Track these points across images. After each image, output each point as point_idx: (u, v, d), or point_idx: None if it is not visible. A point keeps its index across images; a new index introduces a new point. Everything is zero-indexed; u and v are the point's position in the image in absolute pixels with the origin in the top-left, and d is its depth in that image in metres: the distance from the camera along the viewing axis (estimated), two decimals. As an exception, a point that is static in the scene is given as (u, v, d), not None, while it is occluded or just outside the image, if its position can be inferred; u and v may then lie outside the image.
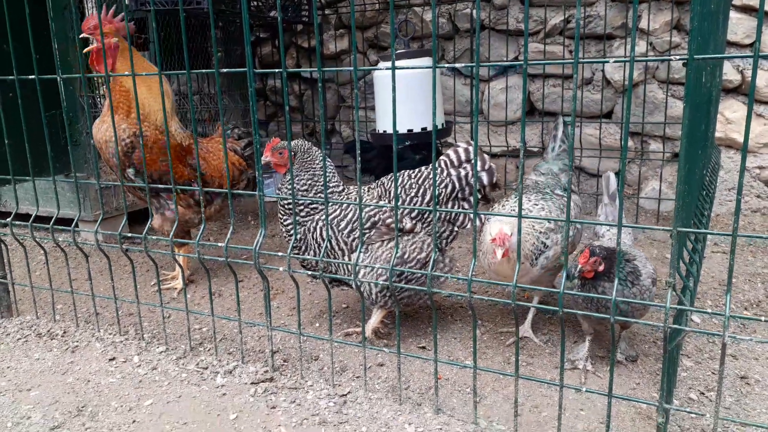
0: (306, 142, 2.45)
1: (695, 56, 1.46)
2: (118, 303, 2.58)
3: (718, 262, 3.41)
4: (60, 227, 2.56)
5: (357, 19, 5.26)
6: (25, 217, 2.74)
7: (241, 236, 4.14)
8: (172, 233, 2.30)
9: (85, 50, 2.82)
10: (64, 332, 2.64)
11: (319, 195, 2.39)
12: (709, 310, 2.66)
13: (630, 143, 4.62)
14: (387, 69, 1.83)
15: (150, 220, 2.41)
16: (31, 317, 2.82)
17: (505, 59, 4.84)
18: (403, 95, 1.95)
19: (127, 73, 2.74)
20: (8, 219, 2.68)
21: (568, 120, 2.82)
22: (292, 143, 2.37)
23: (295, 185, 2.38)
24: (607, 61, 1.56)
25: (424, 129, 3.35)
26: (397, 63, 3.23)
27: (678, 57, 1.47)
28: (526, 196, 2.47)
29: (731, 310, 2.78)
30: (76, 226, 2.57)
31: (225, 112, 5.15)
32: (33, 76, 2.45)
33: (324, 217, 2.31)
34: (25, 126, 2.54)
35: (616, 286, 1.62)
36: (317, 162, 2.42)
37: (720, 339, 1.58)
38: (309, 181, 2.41)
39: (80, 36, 2.83)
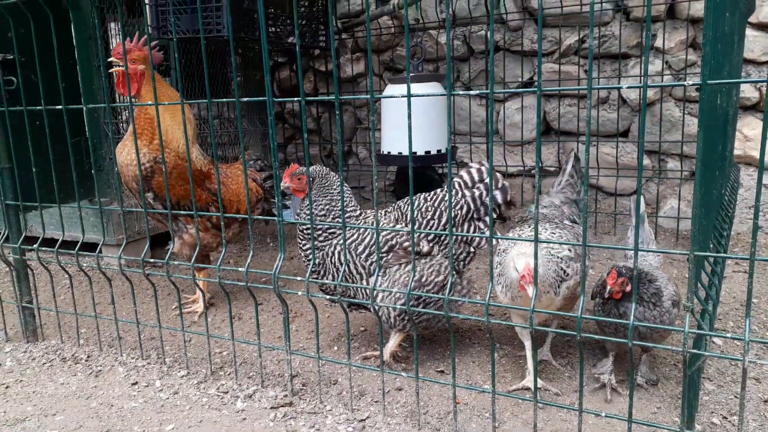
0: (323, 167, 2.49)
1: (708, 81, 1.48)
2: (141, 327, 2.62)
3: (740, 282, 3.37)
4: (84, 253, 2.62)
5: (373, 43, 5.34)
6: (50, 241, 2.81)
7: (260, 258, 4.19)
8: (193, 259, 2.35)
9: (111, 70, 2.88)
10: (88, 356, 2.69)
11: (336, 219, 2.42)
12: (729, 334, 2.63)
13: (647, 162, 4.61)
14: (402, 96, 1.87)
15: (171, 245, 2.46)
16: (56, 341, 2.88)
17: (520, 79, 4.87)
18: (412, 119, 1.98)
19: (150, 102, 2.82)
20: (35, 245, 2.75)
21: (582, 154, 2.82)
22: (311, 169, 2.41)
23: (313, 210, 2.42)
24: (621, 87, 1.58)
25: (428, 152, 3.37)
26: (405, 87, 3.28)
27: (692, 83, 1.49)
28: (541, 225, 2.45)
29: (753, 331, 2.74)
30: (100, 251, 2.63)
31: (245, 136, 5.24)
32: (60, 106, 2.53)
33: (342, 241, 2.34)
34: (51, 153, 2.62)
35: (633, 310, 1.62)
36: (335, 187, 2.45)
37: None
38: (327, 206, 2.45)
39: (108, 60, 2.90)
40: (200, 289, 2.64)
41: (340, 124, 1.94)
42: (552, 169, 4.91)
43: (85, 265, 2.73)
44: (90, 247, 2.92)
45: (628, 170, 4.60)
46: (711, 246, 2.23)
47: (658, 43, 4.42)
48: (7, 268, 2.88)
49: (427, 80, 3.36)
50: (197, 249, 2.47)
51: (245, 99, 2.08)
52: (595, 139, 4.71)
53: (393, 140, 3.43)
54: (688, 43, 4.32)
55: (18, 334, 3.00)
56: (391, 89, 3.42)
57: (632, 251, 2.46)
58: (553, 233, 2.39)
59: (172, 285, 2.46)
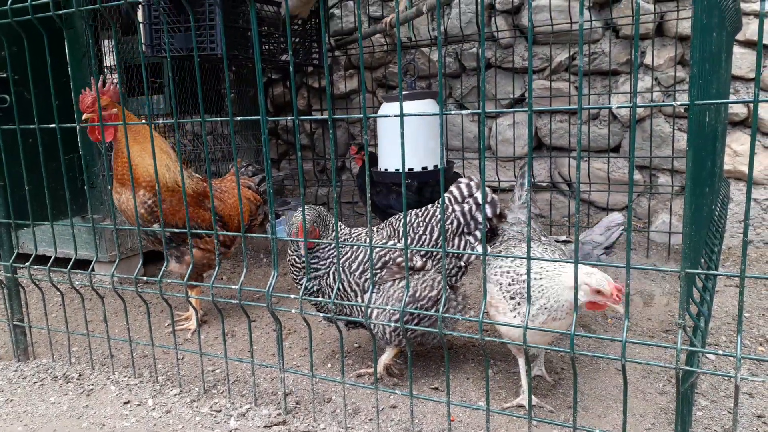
0: (315, 209, 2.46)
1: (696, 102, 1.50)
2: (133, 345, 2.60)
3: (731, 296, 3.39)
4: (76, 271, 2.61)
5: (366, 60, 5.38)
6: (42, 258, 2.79)
7: (254, 275, 4.18)
8: (186, 277, 2.34)
9: (82, 124, 2.87)
10: (80, 375, 2.67)
11: (330, 238, 2.42)
12: (721, 351, 2.64)
13: (638, 177, 4.65)
14: (396, 116, 1.88)
15: (165, 264, 2.45)
16: (47, 360, 2.85)
17: (511, 96, 4.92)
18: (406, 136, 1.97)
19: (144, 121, 2.82)
20: (27, 263, 2.73)
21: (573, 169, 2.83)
22: (308, 217, 2.38)
23: (321, 252, 2.42)
24: (611, 107, 1.60)
25: (425, 168, 3.39)
26: (400, 105, 3.31)
27: (680, 103, 1.51)
28: (523, 246, 2.40)
29: (745, 346, 2.75)
30: (93, 269, 2.62)
31: (238, 151, 5.24)
32: (54, 125, 2.53)
33: (336, 259, 2.34)
34: (44, 171, 2.61)
35: (625, 327, 1.63)
36: (331, 221, 2.46)
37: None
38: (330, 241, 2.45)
39: (83, 117, 2.88)
40: (193, 306, 2.63)
41: (334, 142, 1.96)
42: (544, 184, 4.95)
43: (77, 283, 2.72)
44: (82, 264, 2.90)
45: (619, 185, 4.64)
46: (702, 262, 2.25)
47: (647, 60, 4.48)
48: (-1, 286, 2.86)
49: (421, 97, 3.38)
50: (191, 268, 2.47)
51: (239, 118, 2.09)
52: (587, 155, 4.75)
53: (390, 157, 3.44)
54: (677, 60, 4.38)
55: (9, 353, 2.98)
56: (387, 107, 3.44)
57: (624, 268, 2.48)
58: (545, 250, 2.40)
59: (165, 303, 2.45)
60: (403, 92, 3.51)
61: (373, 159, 3.67)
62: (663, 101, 4.49)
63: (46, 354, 2.92)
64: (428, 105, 3.39)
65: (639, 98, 4.50)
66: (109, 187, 2.81)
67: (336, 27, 5.43)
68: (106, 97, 2.82)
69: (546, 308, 2.08)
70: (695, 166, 1.62)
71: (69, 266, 2.61)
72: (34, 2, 2.41)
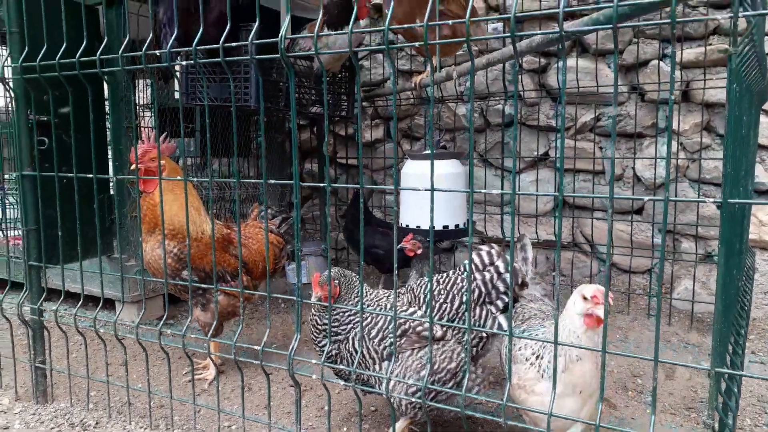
0: (341, 269, 2.47)
1: (729, 200, 1.51)
2: (151, 397, 2.61)
3: (757, 373, 3.32)
4: (101, 318, 2.64)
5: (391, 111, 5.48)
6: (67, 293, 2.83)
7: (272, 321, 4.19)
8: (209, 334, 2.36)
9: (132, 168, 2.98)
10: (97, 423, 2.68)
11: (354, 303, 2.42)
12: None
13: (660, 240, 4.61)
14: (425, 190, 1.91)
15: (189, 317, 2.47)
16: (65, 404, 2.87)
17: (535, 153, 4.96)
18: (428, 194, 1.98)
19: (179, 178, 2.88)
20: (54, 306, 2.78)
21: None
22: (334, 273, 2.40)
23: (342, 309, 2.42)
24: (643, 199, 1.62)
25: (445, 227, 3.41)
26: (426, 165, 3.35)
27: (712, 200, 1.52)
28: (549, 323, 2.36)
29: (772, 432, 2.68)
30: (110, 304, 2.65)
31: (260, 193, 5.32)
32: (91, 175, 2.60)
33: (356, 326, 2.34)
34: (78, 213, 2.67)
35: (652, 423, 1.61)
36: (355, 282, 2.46)
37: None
38: (356, 299, 2.45)
39: (131, 168, 2.99)
40: (212, 360, 2.65)
41: (363, 209, 1.99)
42: (566, 243, 4.93)
43: (102, 330, 2.75)
44: (105, 300, 2.94)
45: (642, 248, 4.61)
46: (730, 347, 2.21)
47: (674, 125, 4.50)
48: (21, 325, 2.90)
49: (447, 158, 3.43)
50: (215, 319, 2.48)
51: (272, 181, 2.13)
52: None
53: (411, 213, 3.47)
54: (703, 126, 4.40)
55: (28, 392, 3.00)
56: (411, 165, 3.49)
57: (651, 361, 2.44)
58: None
59: (187, 357, 2.47)
60: (428, 152, 3.58)
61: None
62: (688, 167, 4.49)
63: (64, 396, 2.94)
64: (453, 166, 3.44)
65: (663, 164, 4.50)
66: (140, 238, 2.86)
67: (365, 78, 5.55)
68: (155, 151, 2.90)
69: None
70: (727, 268, 1.61)
71: (95, 314, 2.65)
72: (81, 59, 2.52)
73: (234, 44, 2.12)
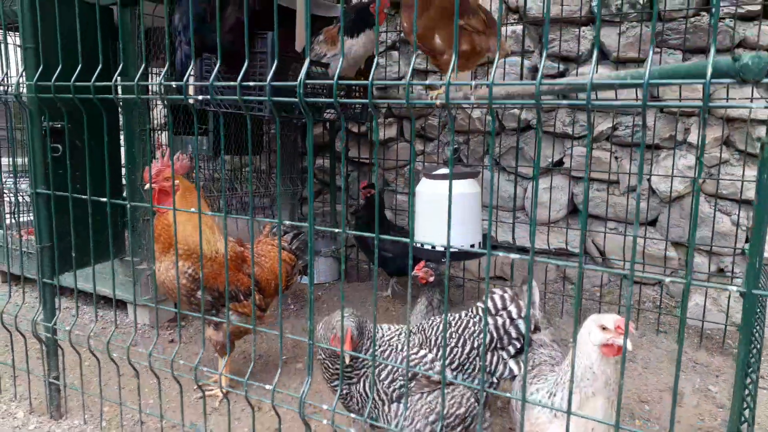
0: (356, 316, 2.46)
1: (753, 291, 1.48)
2: (164, 422, 2.65)
3: (766, 401, 3.32)
4: (113, 331, 2.66)
5: (405, 112, 5.41)
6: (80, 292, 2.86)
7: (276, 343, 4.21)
8: (221, 368, 2.38)
9: (146, 188, 2.96)
10: (110, 443, 2.73)
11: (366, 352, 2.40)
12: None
13: (673, 254, 4.58)
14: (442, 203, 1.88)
15: (202, 349, 2.48)
16: (78, 421, 2.92)
17: (550, 159, 4.90)
18: (444, 213, 1.91)
19: (193, 209, 2.86)
20: (69, 327, 2.80)
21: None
22: (353, 325, 2.38)
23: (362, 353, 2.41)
24: (663, 279, 1.59)
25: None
26: (441, 185, 3.31)
27: (736, 288, 1.49)
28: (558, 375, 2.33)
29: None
30: (122, 304, 2.67)
31: (272, 194, 5.32)
32: (104, 199, 2.58)
33: (368, 371, 2.35)
34: (92, 226, 2.65)
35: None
36: (369, 327, 2.45)
37: None
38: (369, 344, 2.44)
39: (146, 187, 2.97)
40: (221, 389, 2.67)
41: (378, 221, 1.97)
42: (575, 251, 4.90)
43: (115, 355, 2.77)
44: (111, 300, 2.96)
45: (654, 259, 4.57)
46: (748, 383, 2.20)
47: (692, 137, 4.42)
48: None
49: (462, 177, 3.39)
50: (228, 352, 2.50)
51: (288, 222, 2.11)
52: (623, 226, 4.70)
53: (424, 232, 3.44)
54: (723, 140, 4.32)
55: (42, 404, 3.06)
56: (425, 184, 3.45)
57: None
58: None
59: (199, 389, 2.49)
60: (444, 171, 3.53)
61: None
62: (704, 181, 4.43)
63: (77, 411, 2.99)
64: (470, 185, 3.40)
65: (679, 175, 4.44)
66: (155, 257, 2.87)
67: (379, 76, 5.46)
68: (168, 171, 2.88)
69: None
70: (744, 347, 1.60)
71: (108, 339, 2.67)
72: (96, 83, 2.48)
73: (251, 84, 2.08)
